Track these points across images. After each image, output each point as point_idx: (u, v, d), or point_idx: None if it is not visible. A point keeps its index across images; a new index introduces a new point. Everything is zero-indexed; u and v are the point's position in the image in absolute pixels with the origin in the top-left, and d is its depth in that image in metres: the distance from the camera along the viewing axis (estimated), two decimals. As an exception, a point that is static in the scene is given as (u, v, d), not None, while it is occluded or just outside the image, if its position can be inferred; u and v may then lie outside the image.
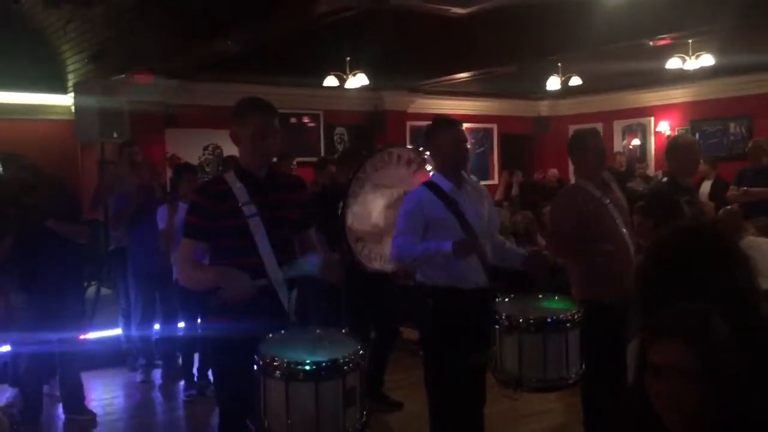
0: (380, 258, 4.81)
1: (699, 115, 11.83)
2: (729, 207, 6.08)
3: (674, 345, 1.57)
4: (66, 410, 5.24)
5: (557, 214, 4.10)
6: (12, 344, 5.68)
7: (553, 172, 11.64)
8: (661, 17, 6.96)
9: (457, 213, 3.49)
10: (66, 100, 9.53)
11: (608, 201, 3.88)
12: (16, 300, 4.44)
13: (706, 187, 8.50)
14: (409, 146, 5.01)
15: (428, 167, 4.32)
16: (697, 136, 10.91)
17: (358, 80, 8.93)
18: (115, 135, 7.72)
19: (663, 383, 1.57)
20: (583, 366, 3.22)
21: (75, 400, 5.23)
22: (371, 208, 4.79)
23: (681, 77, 9.88)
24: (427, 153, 4.73)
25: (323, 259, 2.95)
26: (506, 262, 3.68)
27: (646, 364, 1.61)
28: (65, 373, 5.24)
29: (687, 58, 8.61)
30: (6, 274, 4.91)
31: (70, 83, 9.38)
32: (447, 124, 3.67)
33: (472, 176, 3.89)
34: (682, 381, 1.55)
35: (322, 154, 10.68)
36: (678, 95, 11.94)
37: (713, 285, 1.80)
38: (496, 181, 13.15)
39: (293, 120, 11.06)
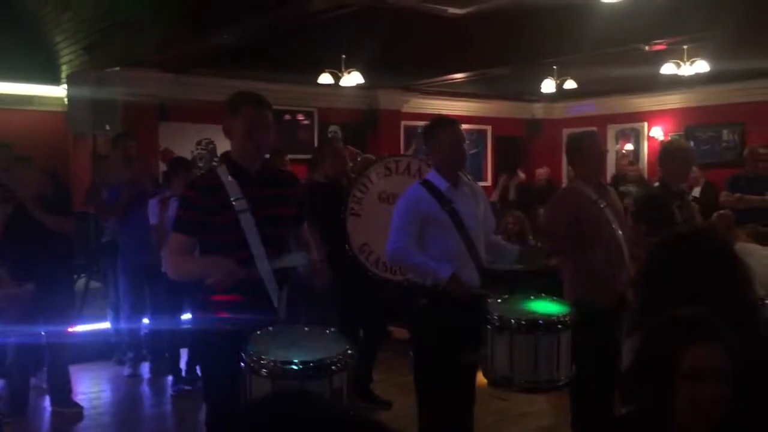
0: (392, 267, 4.85)
1: (693, 121, 11.86)
2: (722, 212, 6.10)
3: (714, 347, 1.56)
4: (53, 403, 5.21)
5: (551, 216, 4.10)
6: (-1, 335, 5.64)
7: (541, 172, 11.63)
8: (657, 22, 6.97)
9: (451, 212, 3.48)
10: (59, 92, 9.46)
11: (604, 204, 3.88)
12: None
13: (695, 192, 8.55)
14: (414, 156, 5.10)
15: None
16: (691, 143, 10.94)
17: (353, 78, 8.90)
18: (107, 127, 7.69)
19: (703, 388, 1.54)
20: (574, 368, 3.21)
21: (62, 392, 5.20)
22: (377, 215, 4.80)
23: (675, 83, 9.89)
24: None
25: (309, 262, 2.94)
26: (503, 260, 3.68)
27: (679, 372, 1.56)
28: (53, 365, 5.20)
29: (682, 63, 8.62)
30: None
31: (64, 74, 9.32)
32: (446, 123, 3.66)
33: (468, 177, 3.89)
34: (720, 384, 1.54)
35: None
36: (672, 101, 11.96)
37: (714, 289, 1.81)
38: (489, 183, 13.15)
39: (287, 117, 11.03)
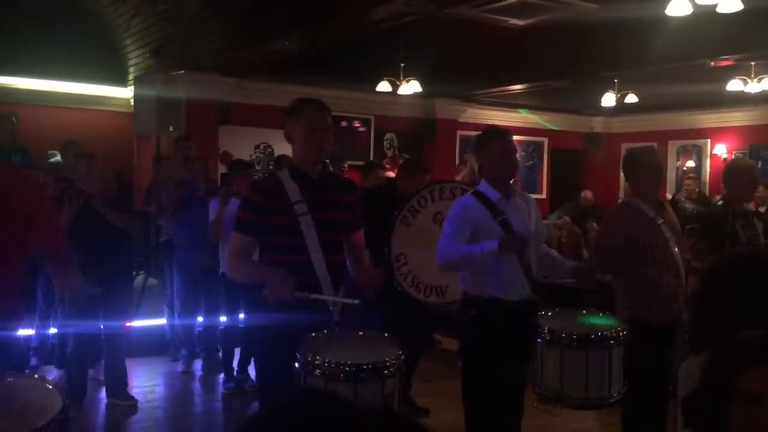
0: (418, 285, 4.84)
1: (758, 139, 11.53)
2: None
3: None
4: (109, 395, 5.36)
5: (605, 231, 4.05)
6: (60, 327, 5.85)
7: (587, 195, 11.45)
8: (725, 38, 6.81)
9: (503, 223, 3.47)
10: (126, 93, 9.77)
11: (662, 221, 3.81)
12: (92, 290, 4.58)
13: (762, 209, 8.34)
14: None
15: None
16: (759, 164, 10.63)
17: (411, 87, 8.95)
18: (171, 129, 7.90)
19: (760, 413, 1.50)
20: (626, 385, 3.16)
21: (118, 385, 5.35)
22: (425, 233, 4.78)
23: (741, 100, 9.65)
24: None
25: (364, 275, 2.99)
26: (554, 273, 3.64)
27: (734, 392, 1.53)
28: (111, 358, 5.36)
29: (749, 80, 8.41)
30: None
31: (131, 76, 9.62)
32: (497, 133, 3.66)
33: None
34: None
35: (371, 158, 10.71)
36: (737, 118, 11.65)
37: None
38: (544, 195, 13.03)
39: (344, 123, 11.13)
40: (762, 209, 8.50)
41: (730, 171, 4.46)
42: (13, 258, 2.80)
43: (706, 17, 5.86)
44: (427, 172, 5.74)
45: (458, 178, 8.90)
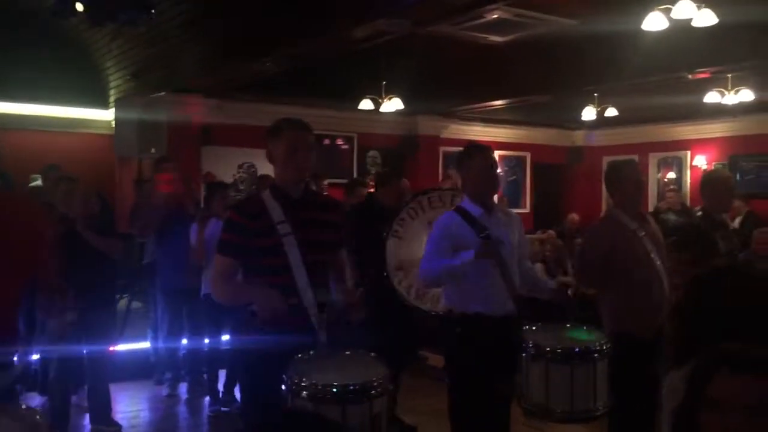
0: (423, 297, 4.85)
1: (737, 150, 11.67)
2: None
3: (740, 381, 1.54)
4: (92, 421, 5.28)
5: (587, 244, 4.08)
6: (42, 353, 5.77)
7: (573, 217, 11.48)
8: (701, 51, 6.91)
9: (486, 239, 3.48)
10: (107, 115, 9.73)
11: (644, 233, 3.84)
12: (71, 317, 4.52)
13: (736, 223, 8.41)
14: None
15: None
16: (737, 175, 10.74)
17: (393, 104, 8.99)
18: (153, 151, 7.87)
19: (715, 419, 1.53)
20: (612, 398, 3.17)
21: (102, 411, 5.27)
22: (418, 242, 4.79)
23: (719, 111, 9.77)
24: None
25: (346, 296, 3.00)
26: (535, 292, 3.68)
27: (703, 398, 1.57)
28: (94, 383, 5.29)
29: (726, 92, 8.52)
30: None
31: (112, 99, 9.59)
32: (477, 150, 3.69)
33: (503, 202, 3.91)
34: (745, 416, 1.52)
35: (354, 176, 10.73)
36: (716, 129, 11.80)
37: (753, 325, 1.79)
38: (528, 210, 13.10)
39: (326, 142, 11.16)
40: (738, 220, 8.58)
41: (707, 182, 4.52)
42: (15, 285, 2.78)
43: (682, 32, 5.94)
44: (401, 177, 5.76)
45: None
